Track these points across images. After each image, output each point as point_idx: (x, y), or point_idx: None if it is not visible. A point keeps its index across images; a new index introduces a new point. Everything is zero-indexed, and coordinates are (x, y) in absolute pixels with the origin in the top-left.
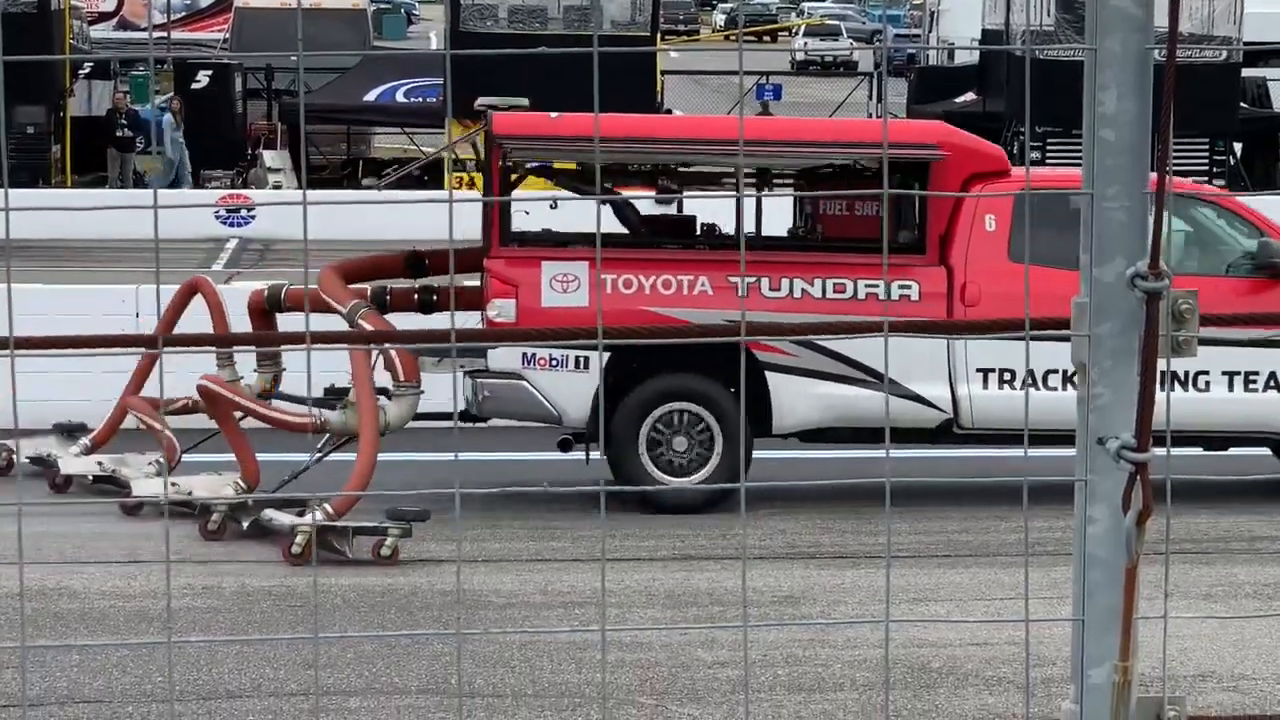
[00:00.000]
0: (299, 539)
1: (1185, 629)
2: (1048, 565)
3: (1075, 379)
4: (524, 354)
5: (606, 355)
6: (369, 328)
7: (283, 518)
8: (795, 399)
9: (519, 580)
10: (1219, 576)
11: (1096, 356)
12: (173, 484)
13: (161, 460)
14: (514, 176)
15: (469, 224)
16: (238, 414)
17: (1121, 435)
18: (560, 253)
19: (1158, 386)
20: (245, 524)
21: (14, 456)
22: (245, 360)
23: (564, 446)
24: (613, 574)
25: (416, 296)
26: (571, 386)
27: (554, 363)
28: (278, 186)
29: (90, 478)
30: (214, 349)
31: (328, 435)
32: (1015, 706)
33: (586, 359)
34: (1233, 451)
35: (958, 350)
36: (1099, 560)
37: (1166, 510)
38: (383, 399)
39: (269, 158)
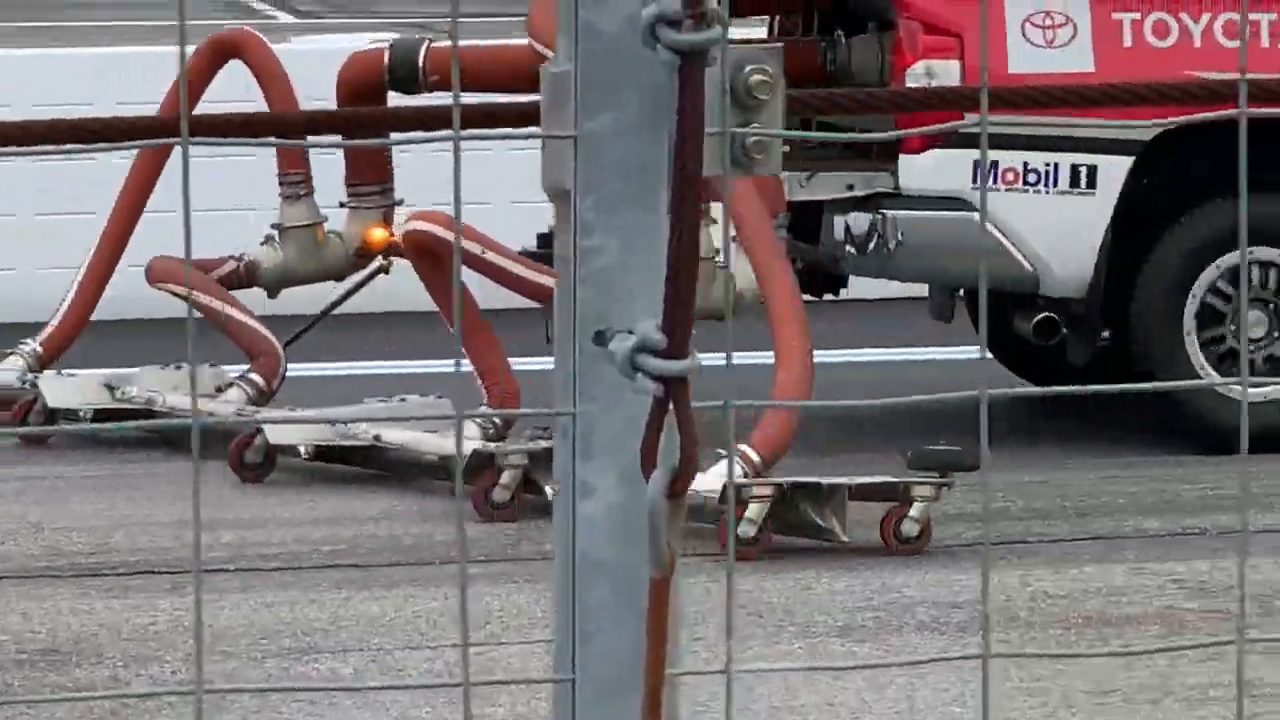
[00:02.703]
0: (751, 513)
1: (782, 686)
2: (511, 578)
3: (555, 222)
4: (974, 163)
5: (1127, 162)
6: None
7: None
8: None
9: None
10: (826, 591)
11: (590, 176)
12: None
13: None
14: None
15: None
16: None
17: (639, 326)
18: None
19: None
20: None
21: None
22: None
23: (1045, 332)
24: None
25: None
26: (1064, 221)
27: (1034, 178)
28: None
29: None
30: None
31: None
32: None
33: (1093, 170)
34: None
35: None
36: (599, 566)
37: (730, 471)
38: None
39: None
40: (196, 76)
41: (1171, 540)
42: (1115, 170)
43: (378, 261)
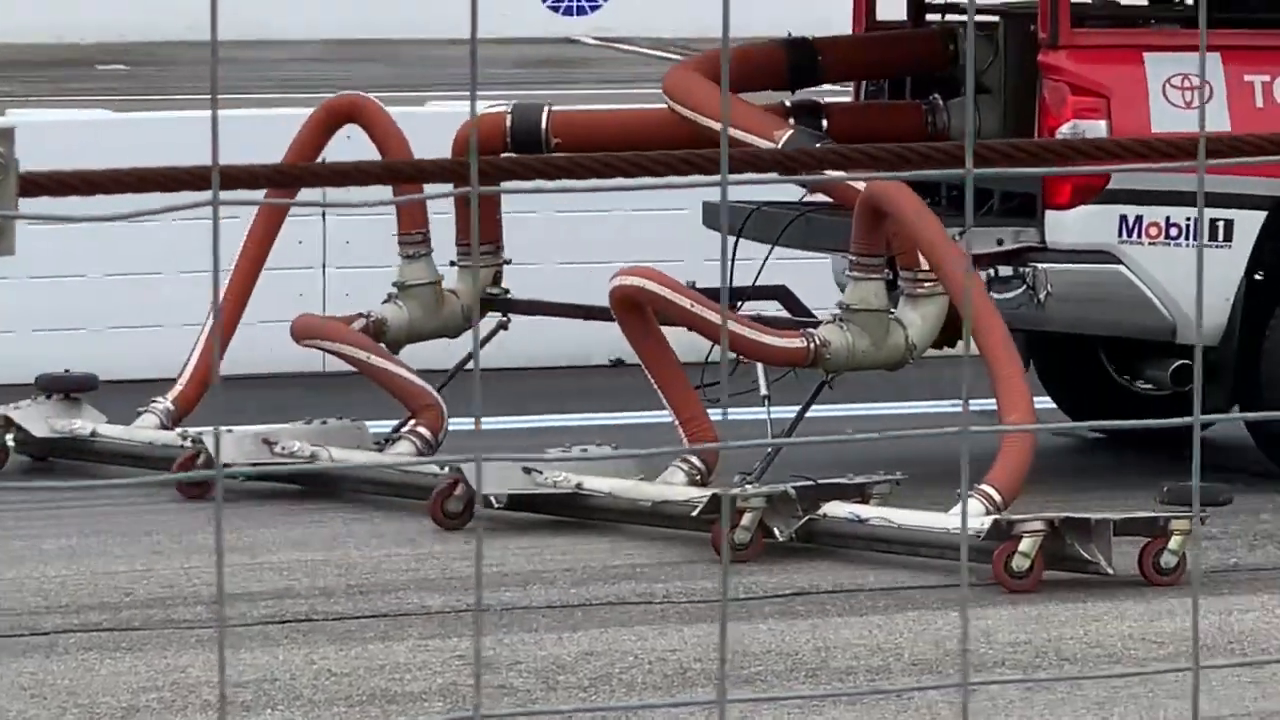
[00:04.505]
0: (1024, 548)
1: None
2: None
3: None
4: (1121, 219)
5: (1260, 216)
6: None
7: (862, 510)
8: None
9: None
10: (110, 673)
11: None
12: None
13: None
14: None
15: None
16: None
17: None
18: (1173, 37)
19: None
20: (782, 530)
21: None
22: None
23: (1181, 378)
24: None
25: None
26: (1203, 275)
27: (1175, 232)
28: None
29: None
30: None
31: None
32: None
33: (1229, 224)
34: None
35: None
36: None
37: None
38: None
39: None
40: (310, 139)
41: (456, 618)
42: (1249, 224)
43: (496, 318)
